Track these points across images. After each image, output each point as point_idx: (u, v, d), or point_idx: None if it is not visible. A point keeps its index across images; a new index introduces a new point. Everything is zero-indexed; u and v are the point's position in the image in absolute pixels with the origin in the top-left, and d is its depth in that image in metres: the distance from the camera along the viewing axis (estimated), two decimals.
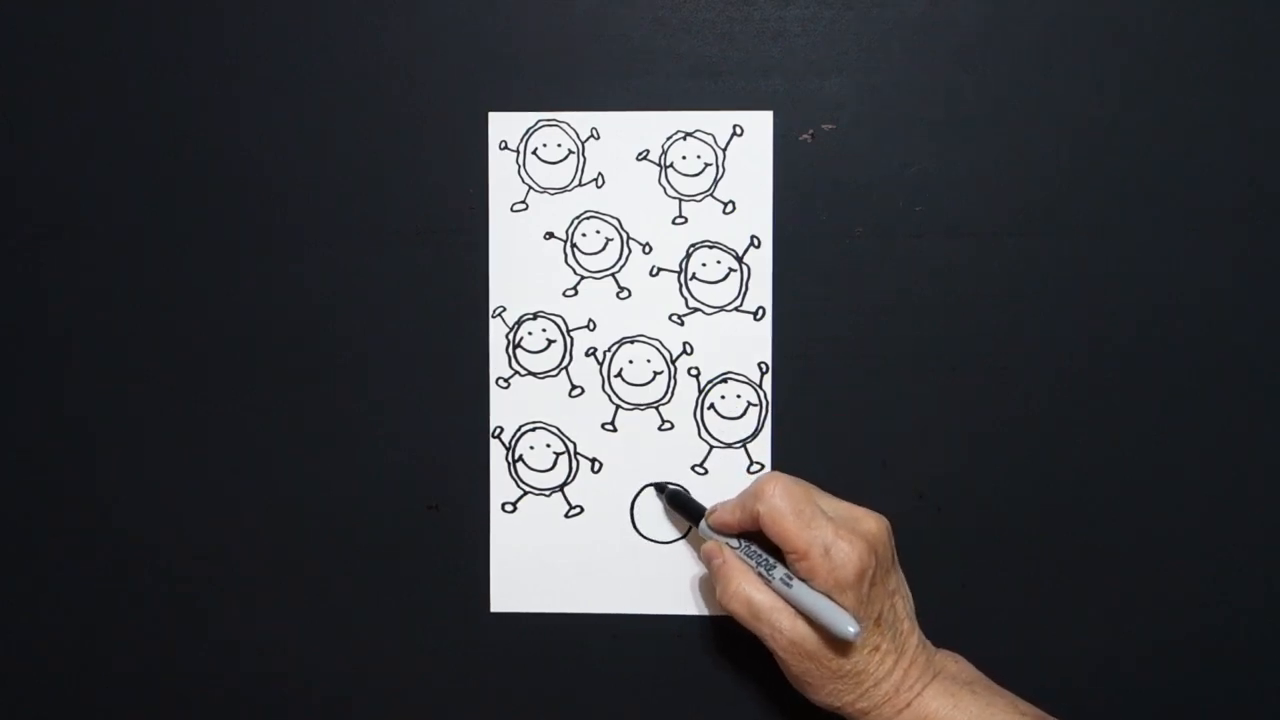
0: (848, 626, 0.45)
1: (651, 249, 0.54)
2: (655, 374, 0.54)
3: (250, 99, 0.55)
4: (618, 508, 0.55)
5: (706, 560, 0.51)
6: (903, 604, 0.49)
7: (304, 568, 0.55)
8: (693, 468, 0.54)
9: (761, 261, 0.54)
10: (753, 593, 0.48)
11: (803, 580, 0.47)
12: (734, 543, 0.50)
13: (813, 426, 0.54)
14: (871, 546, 0.47)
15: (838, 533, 0.47)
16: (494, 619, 0.55)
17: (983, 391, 0.53)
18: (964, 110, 0.53)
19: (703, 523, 0.52)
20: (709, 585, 0.54)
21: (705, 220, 0.54)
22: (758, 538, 0.50)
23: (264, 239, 0.55)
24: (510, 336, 0.55)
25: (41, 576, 0.55)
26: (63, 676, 0.56)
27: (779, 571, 0.48)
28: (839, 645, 0.47)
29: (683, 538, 0.54)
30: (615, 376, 0.55)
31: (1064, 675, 0.54)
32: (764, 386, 0.54)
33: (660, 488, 0.54)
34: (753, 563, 0.49)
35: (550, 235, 0.55)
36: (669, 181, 0.54)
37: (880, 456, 0.54)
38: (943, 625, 0.52)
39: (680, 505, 0.53)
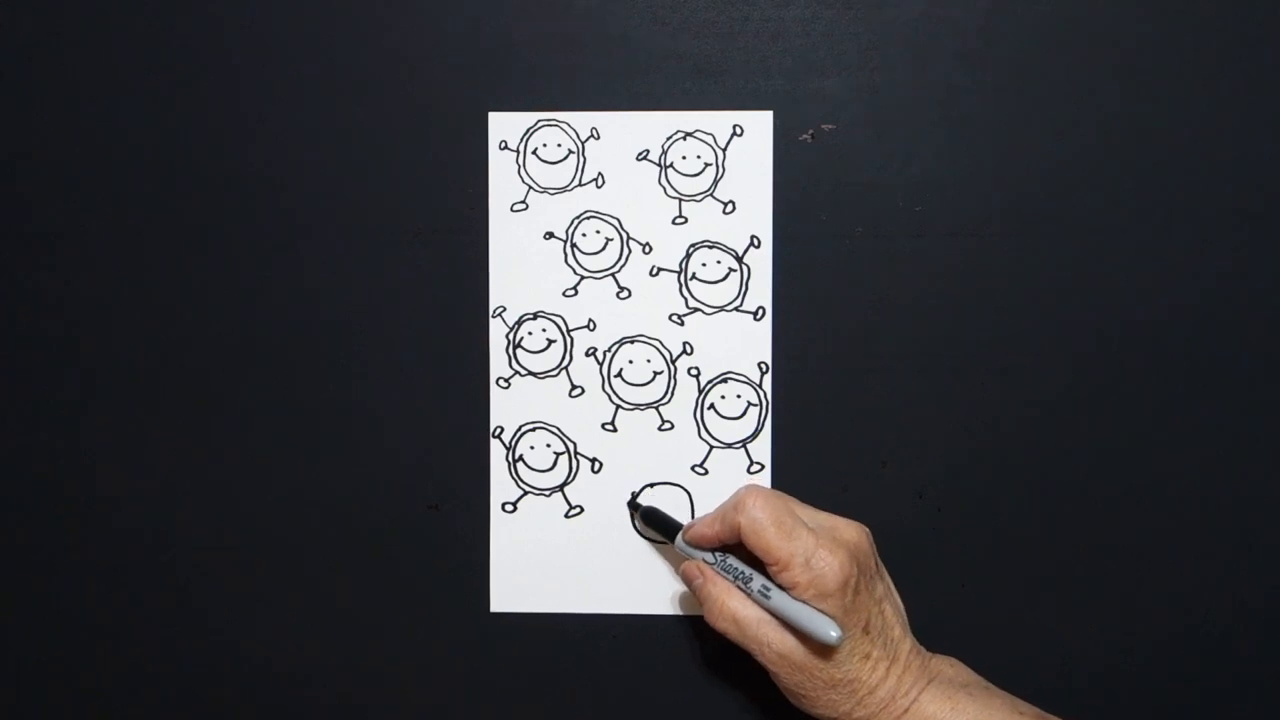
0: (829, 631, 0.45)
1: (651, 249, 0.54)
2: (655, 374, 0.54)
3: (250, 99, 0.55)
4: (618, 508, 0.55)
5: (687, 581, 0.51)
6: (892, 611, 0.49)
7: (304, 568, 0.55)
8: (693, 468, 0.54)
9: (761, 261, 0.54)
10: (737, 608, 0.48)
11: (782, 589, 0.47)
12: (709, 558, 0.50)
13: (813, 426, 0.54)
14: (853, 555, 0.47)
15: (819, 542, 0.47)
16: (494, 619, 0.55)
17: (983, 391, 0.54)
18: (964, 110, 0.53)
19: (678, 539, 0.51)
20: None
21: (705, 220, 0.54)
22: (735, 551, 0.50)
23: (264, 239, 0.55)
24: (510, 336, 0.55)
25: (42, 576, 0.55)
26: (63, 676, 0.55)
27: (757, 582, 0.48)
28: (825, 652, 0.47)
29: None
30: (615, 376, 0.55)
31: (1063, 675, 0.54)
32: (764, 386, 0.54)
33: (635, 506, 0.54)
34: (730, 576, 0.49)
35: (550, 235, 0.55)
36: (669, 181, 0.54)
37: (880, 456, 0.54)
38: (942, 625, 0.52)
39: (655, 522, 0.53)
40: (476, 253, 0.55)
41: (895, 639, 0.48)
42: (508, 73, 0.54)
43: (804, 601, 0.46)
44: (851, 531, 0.48)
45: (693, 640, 0.55)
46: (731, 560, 0.49)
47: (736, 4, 0.54)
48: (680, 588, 0.54)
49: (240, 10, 0.54)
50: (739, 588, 0.48)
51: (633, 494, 0.54)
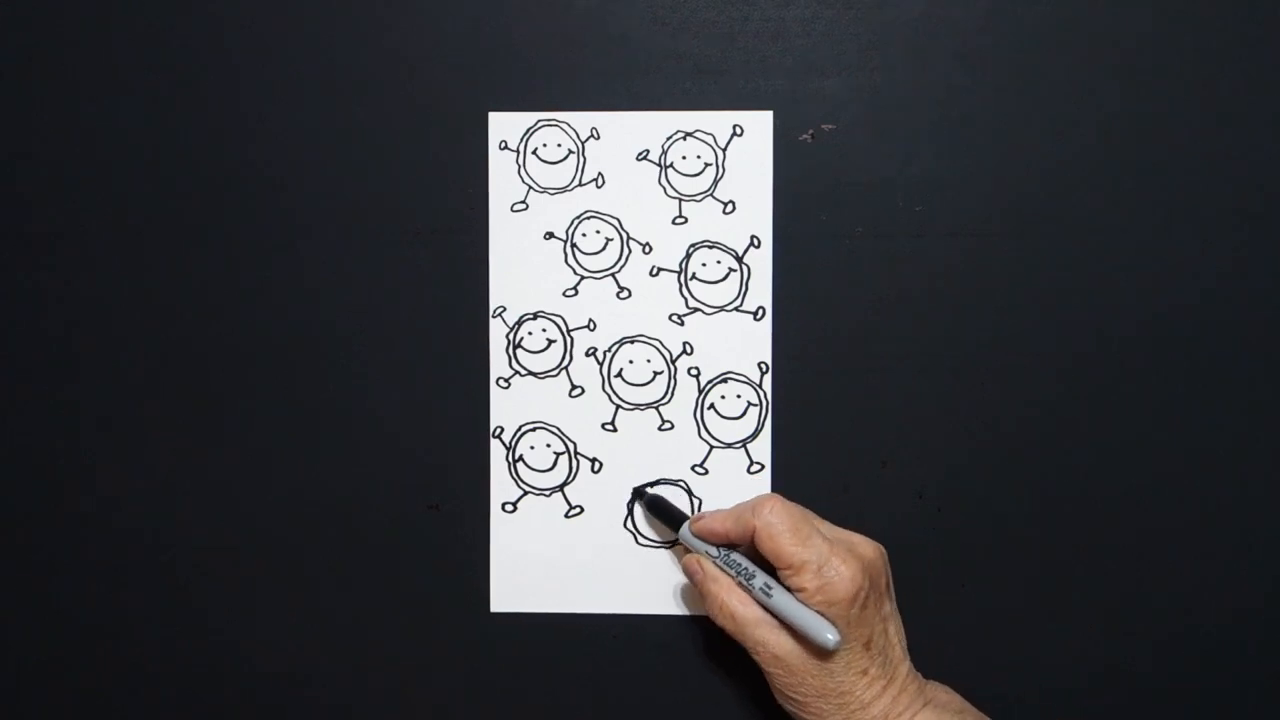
0: (825, 634, 0.45)
1: (651, 249, 0.55)
2: (655, 374, 0.54)
3: (251, 99, 0.55)
4: (618, 508, 0.55)
5: (688, 575, 0.51)
6: (895, 631, 0.49)
7: (304, 568, 0.55)
8: (693, 468, 0.54)
9: (761, 261, 0.54)
10: (736, 606, 0.48)
11: (788, 591, 0.47)
12: (713, 551, 0.50)
13: (813, 426, 0.54)
14: (865, 569, 0.47)
15: (833, 551, 0.47)
16: (494, 619, 0.55)
17: (983, 391, 0.54)
18: (964, 110, 0.53)
19: (684, 528, 0.51)
20: None
21: (705, 220, 0.54)
22: (747, 555, 0.50)
23: (264, 239, 0.55)
24: (510, 336, 0.55)
25: (42, 576, 0.55)
26: (63, 676, 0.55)
27: (759, 580, 0.48)
28: (821, 655, 0.47)
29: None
30: (615, 376, 0.55)
31: (1063, 675, 0.54)
32: (764, 386, 0.54)
33: (639, 493, 0.54)
34: (732, 571, 0.49)
35: (550, 235, 0.55)
36: (669, 181, 0.54)
37: (880, 456, 0.54)
38: (942, 625, 0.52)
39: (659, 511, 0.53)
40: (476, 253, 0.55)
41: (894, 660, 0.48)
42: (508, 73, 0.54)
43: (805, 605, 0.46)
44: (867, 548, 0.48)
45: (693, 640, 0.55)
46: (735, 556, 0.49)
47: (736, 4, 0.54)
48: (680, 588, 0.54)
49: (240, 10, 0.54)
50: (740, 584, 0.49)
51: (635, 487, 0.54)
